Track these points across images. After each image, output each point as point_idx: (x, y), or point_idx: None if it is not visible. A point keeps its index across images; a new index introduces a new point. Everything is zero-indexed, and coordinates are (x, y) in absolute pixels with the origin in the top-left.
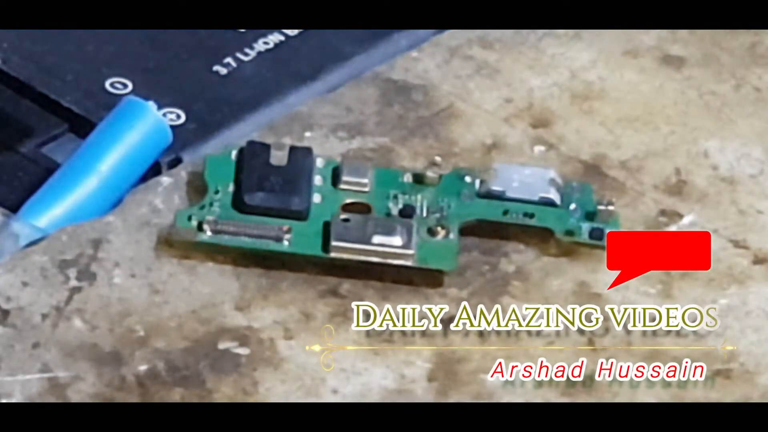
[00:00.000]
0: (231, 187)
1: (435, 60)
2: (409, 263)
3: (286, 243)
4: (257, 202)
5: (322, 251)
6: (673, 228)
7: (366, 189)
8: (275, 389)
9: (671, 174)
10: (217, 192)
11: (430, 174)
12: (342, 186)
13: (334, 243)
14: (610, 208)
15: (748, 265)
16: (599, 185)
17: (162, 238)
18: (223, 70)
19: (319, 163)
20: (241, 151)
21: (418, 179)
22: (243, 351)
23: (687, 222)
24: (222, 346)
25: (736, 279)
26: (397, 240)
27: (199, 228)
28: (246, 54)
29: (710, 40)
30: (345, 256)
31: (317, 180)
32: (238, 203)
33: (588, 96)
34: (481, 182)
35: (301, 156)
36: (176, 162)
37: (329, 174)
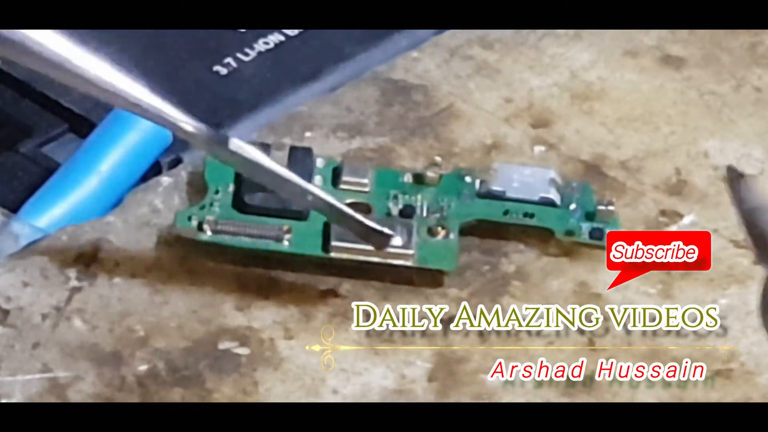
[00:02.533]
0: (231, 188)
1: (435, 60)
2: (409, 263)
3: (286, 243)
4: (257, 202)
5: (322, 251)
6: (673, 228)
7: (366, 189)
8: (275, 389)
9: (671, 174)
10: (217, 192)
11: (430, 174)
12: (342, 186)
13: (333, 243)
14: (610, 208)
15: (748, 265)
16: (599, 185)
17: (162, 238)
18: (223, 70)
19: (320, 163)
20: None
21: (419, 179)
22: (243, 351)
23: (687, 222)
24: (222, 346)
25: (737, 279)
26: (396, 240)
27: (200, 228)
28: (246, 54)
29: (710, 40)
30: (345, 256)
31: (317, 180)
32: (238, 203)
33: (588, 96)
34: (482, 182)
35: (301, 156)
36: (176, 162)
37: (329, 174)
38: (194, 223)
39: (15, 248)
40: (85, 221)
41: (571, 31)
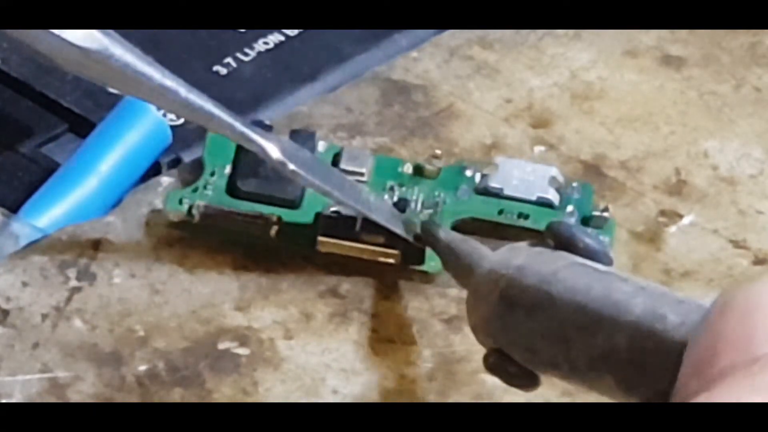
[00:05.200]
0: (228, 169)
1: (435, 60)
2: (392, 261)
3: (273, 232)
4: (250, 188)
5: (309, 244)
6: (673, 228)
7: (364, 178)
8: (275, 389)
9: (671, 174)
10: (212, 174)
11: (429, 167)
12: None
13: (320, 238)
14: (605, 214)
15: (748, 265)
16: (599, 185)
17: (162, 238)
18: (223, 70)
19: (321, 147)
20: None
21: (418, 171)
22: (243, 351)
23: (687, 222)
24: (222, 346)
25: (736, 279)
26: (384, 239)
27: (189, 212)
28: (246, 54)
29: (710, 40)
30: (331, 251)
31: None
32: (232, 188)
33: (588, 96)
34: (482, 177)
35: (302, 140)
36: (176, 162)
37: (330, 159)
38: (185, 206)
39: (15, 248)
40: (85, 221)
41: (571, 31)
